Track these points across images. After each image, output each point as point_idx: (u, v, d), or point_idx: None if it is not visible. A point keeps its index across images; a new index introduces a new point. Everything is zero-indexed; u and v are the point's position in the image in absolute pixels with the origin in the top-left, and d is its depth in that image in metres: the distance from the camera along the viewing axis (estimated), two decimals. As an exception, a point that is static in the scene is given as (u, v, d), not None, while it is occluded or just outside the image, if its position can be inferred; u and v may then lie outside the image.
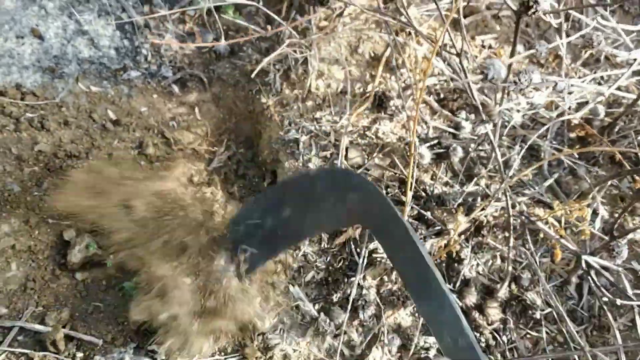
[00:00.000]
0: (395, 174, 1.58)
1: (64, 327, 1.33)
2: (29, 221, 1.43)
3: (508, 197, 1.39)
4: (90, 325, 1.36)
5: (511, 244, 1.41)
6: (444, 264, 1.51)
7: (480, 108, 1.23)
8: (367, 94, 1.68)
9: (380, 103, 1.66)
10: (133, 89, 1.74)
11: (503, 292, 1.46)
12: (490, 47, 1.84)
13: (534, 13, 1.03)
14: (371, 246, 1.46)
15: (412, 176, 1.41)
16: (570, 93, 1.39)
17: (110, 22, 1.79)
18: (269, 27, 1.64)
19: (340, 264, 1.47)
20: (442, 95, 1.75)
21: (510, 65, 1.15)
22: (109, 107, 1.68)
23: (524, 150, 1.53)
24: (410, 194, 1.39)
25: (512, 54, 1.17)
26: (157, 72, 1.79)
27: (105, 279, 1.46)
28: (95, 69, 1.73)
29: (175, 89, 1.79)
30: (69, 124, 1.60)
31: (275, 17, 1.61)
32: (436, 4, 1.15)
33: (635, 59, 1.47)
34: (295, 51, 1.63)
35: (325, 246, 1.48)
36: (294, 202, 1.28)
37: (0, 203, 1.43)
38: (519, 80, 1.11)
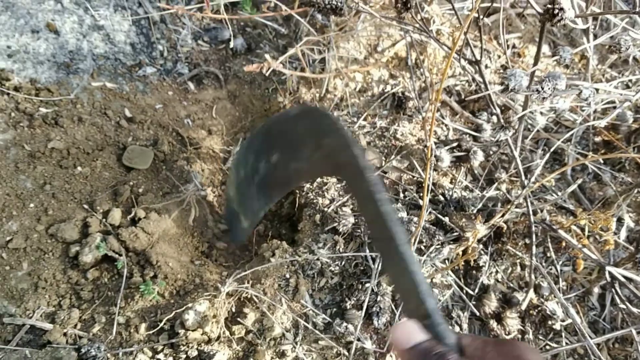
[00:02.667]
0: (413, 177, 1.54)
1: (74, 326, 1.32)
2: (40, 219, 1.41)
3: (529, 204, 1.34)
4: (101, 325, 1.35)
5: (533, 252, 1.37)
6: (461, 271, 1.47)
7: (500, 115, 1.18)
8: (386, 94, 1.63)
9: (399, 104, 1.62)
10: (148, 85, 1.71)
11: (525, 304, 1.42)
12: (514, 46, 1.79)
13: (559, 21, 0.98)
14: (387, 251, 1.42)
15: (430, 180, 1.37)
16: (596, 98, 1.33)
17: (126, 17, 1.76)
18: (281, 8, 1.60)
19: (354, 269, 1.44)
20: (463, 96, 1.70)
21: (533, 74, 1.09)
22: (124, 104, 1.65)
23: (547, 156, 1.48)
24: (427, 198, 1.35)
25: (535, 62, 1.12)
26: (173, 69, 1.77)
27: (117, 278, 1.44)
28: (111, 64, 1.70)
29: (191, 86, 1.76)
30: (83, 120, 1.57)
31: (293, 14, 1.57)
32: (452, 5, 1.10)
33: (666, 62, 1.41)
34: (312, 50, 1.59)
35: (340, 250, 1.45)
36: (280, 146, 1.21)
37: (12, 201, 1.42)
38: (542, 88, 1.05)
